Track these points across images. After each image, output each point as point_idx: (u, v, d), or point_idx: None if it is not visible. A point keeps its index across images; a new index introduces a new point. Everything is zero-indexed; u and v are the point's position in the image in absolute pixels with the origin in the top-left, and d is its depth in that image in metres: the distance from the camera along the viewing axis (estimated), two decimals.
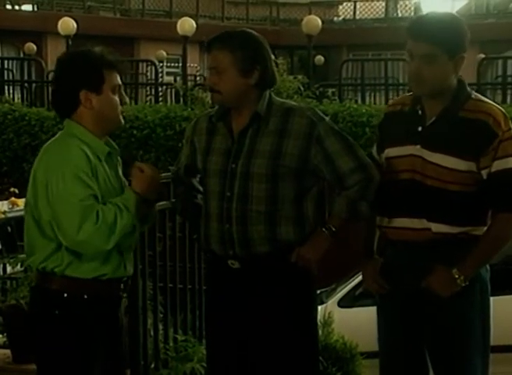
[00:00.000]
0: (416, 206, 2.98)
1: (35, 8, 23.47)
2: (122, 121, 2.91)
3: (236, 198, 2.99)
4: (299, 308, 3.05)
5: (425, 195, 2.96)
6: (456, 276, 2.92)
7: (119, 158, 2.99)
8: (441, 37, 2.88)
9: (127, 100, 2.95)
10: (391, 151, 3.06)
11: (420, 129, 2.99)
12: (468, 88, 3.01)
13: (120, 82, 2.89)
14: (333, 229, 3.01)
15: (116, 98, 2.87)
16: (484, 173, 2.92)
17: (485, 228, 2.97)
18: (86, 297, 2.82)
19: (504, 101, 12.69)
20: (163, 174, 3.33)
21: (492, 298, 3.08)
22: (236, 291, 3.06)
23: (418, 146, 2.97)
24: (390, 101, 3.53)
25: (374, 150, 3.18)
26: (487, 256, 2.99)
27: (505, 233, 2.96)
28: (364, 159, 3.02)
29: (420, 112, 3.01)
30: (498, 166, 2.90)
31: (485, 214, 2.99)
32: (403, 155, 3.01)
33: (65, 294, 2.81)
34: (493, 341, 3.07)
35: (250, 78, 3.00)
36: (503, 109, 2.96)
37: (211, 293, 3.25)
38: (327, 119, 3.04)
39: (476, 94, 3.03)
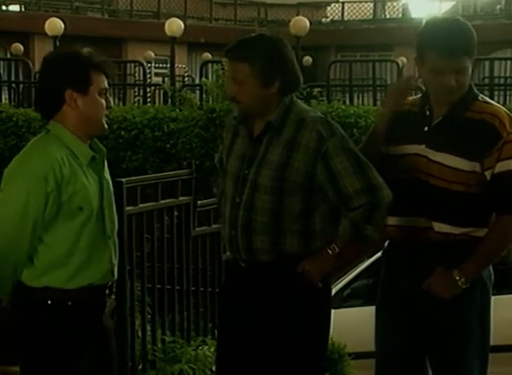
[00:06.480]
0: (419, 205, 2.97)
1: (22, 9, 23.36)
2: (106, 126, 2.82)
3: (243, 206, 2.95)
4: (304, 316, 2.99)
5: (429, 194, 2.96)
6: (457, 278, 2.90)
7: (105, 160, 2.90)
8: (469, 46, 2.89)
9: (112, 103, 2.89)
10: (396, 150, 3.05)
11: (426, 129, 2.99)
12: (476, 90, 3.01)
13: (107, 85, 2.83)
14: (337, 250, 2.93)
15: (103, 100, 2.80)
16: (487, 173, 2.91)
17: (487, 230, 2.96)
18: (70, 304, 2.76)
19: None
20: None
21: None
22: (246, 293, 3.05)
23: (423, 146, 2.97)
24: None
25: None
26: (489, 258, 2.98)
27: (507, 235, 2.96)
28: (375, 180, 2.89)
29: (428, 112, 3.01)
30: (501, 167, 2.90)
31: (488, 216, 2.98)
32: (408, 153, 3.01)
33: (49, 301, 2.76)
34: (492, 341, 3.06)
35: (272, 87, 2.91)
36: (508, 112, 2.95)
37: (225, 291, 3.24)
38: (339, 134, 2.91)
39: (483, 96, 3.03)
